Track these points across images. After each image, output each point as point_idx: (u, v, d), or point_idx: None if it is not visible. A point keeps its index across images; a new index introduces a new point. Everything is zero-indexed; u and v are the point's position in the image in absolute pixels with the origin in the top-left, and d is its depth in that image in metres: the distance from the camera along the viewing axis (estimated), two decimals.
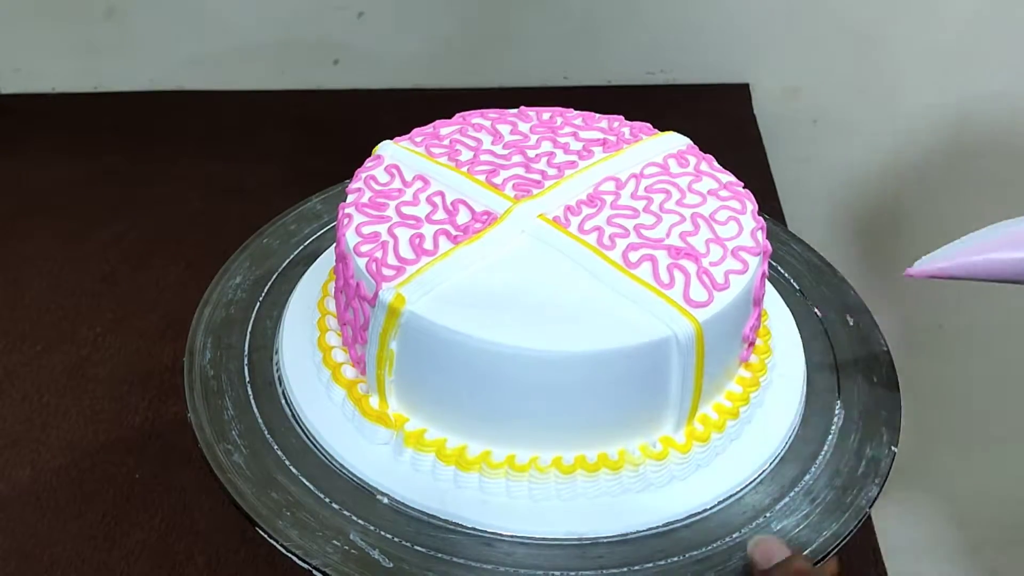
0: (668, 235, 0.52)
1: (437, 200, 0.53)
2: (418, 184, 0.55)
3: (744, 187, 0.57)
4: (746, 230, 0.53)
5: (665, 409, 0.50)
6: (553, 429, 0.49)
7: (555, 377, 0.47)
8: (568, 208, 0.54)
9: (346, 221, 0.52)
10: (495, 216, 0.52)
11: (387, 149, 0.57)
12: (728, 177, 0.57)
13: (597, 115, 0.61)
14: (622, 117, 0.61)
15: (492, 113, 0.61)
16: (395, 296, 0.48)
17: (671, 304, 0.49)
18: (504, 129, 0.59)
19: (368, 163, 0.57)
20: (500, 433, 0.49)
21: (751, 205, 0.55)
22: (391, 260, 0.50)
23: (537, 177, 0.55)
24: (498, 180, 0.55)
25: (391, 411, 0.50)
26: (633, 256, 0.51)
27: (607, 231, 0.52)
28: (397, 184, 0.55)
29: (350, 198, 0.54)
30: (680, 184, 0.56)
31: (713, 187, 0.56)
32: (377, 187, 0.54)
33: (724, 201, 0.55)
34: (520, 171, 0.56)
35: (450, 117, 0.60)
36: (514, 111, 0.61)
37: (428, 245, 0.51)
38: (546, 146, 0.58)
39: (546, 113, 0.61)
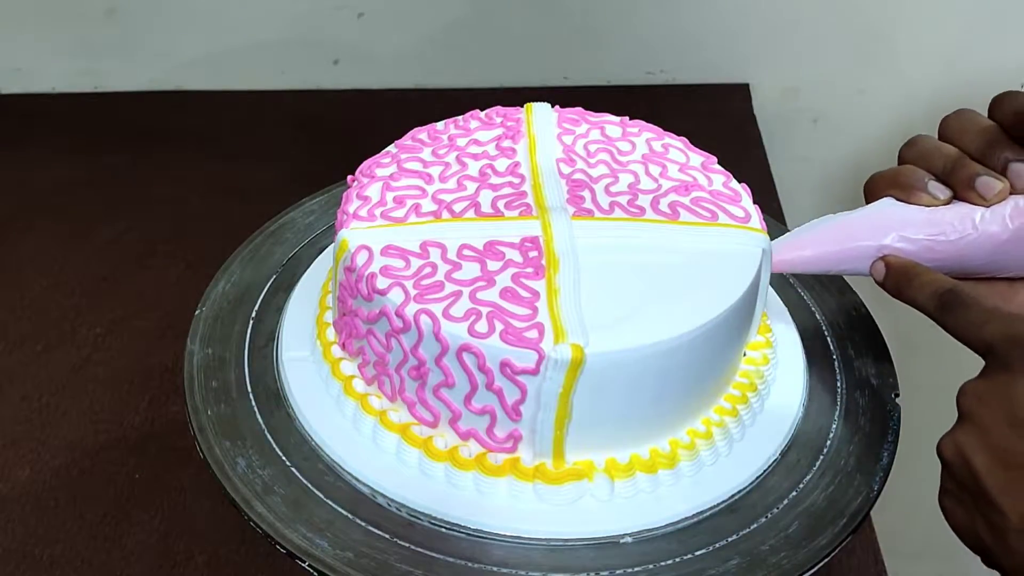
0: (658, 184, 0.55)
1: (471, 253, 0.50)
2: (435, 251, 0.50)
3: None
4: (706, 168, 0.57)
5: (749, 329, 0.53)
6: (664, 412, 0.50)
7: (709, 340, 0.49)
8: (575, 199, 0.54)
9: (426, 318, 0.47)
10: (539, 238, 0.51)
11: (356, 239, 0.51)
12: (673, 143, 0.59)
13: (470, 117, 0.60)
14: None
15: (402, 153, 0.57)
16: (572, 348, 0.45)
17: (734, 228, 0.53)
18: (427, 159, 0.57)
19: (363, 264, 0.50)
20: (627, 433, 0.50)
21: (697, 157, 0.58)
22: (521, 326, 0.46)
23: (510, 190, 0.54)
24: (490, 208, 0.53)
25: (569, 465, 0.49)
26: (665, 208, 0.53)
27: (621, 200, 0.54)
28: (417, 263, 0.49)
29: (396, 294, 0.48)
30: (614, 138, 0.59)
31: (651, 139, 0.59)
32: (410, 272, 0.49)
33: (667, 153, 0.58)
34: (489, 192, 0.54)
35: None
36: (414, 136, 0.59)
37: (526, 294, 0.48)
38: (472, 163, 0.57)
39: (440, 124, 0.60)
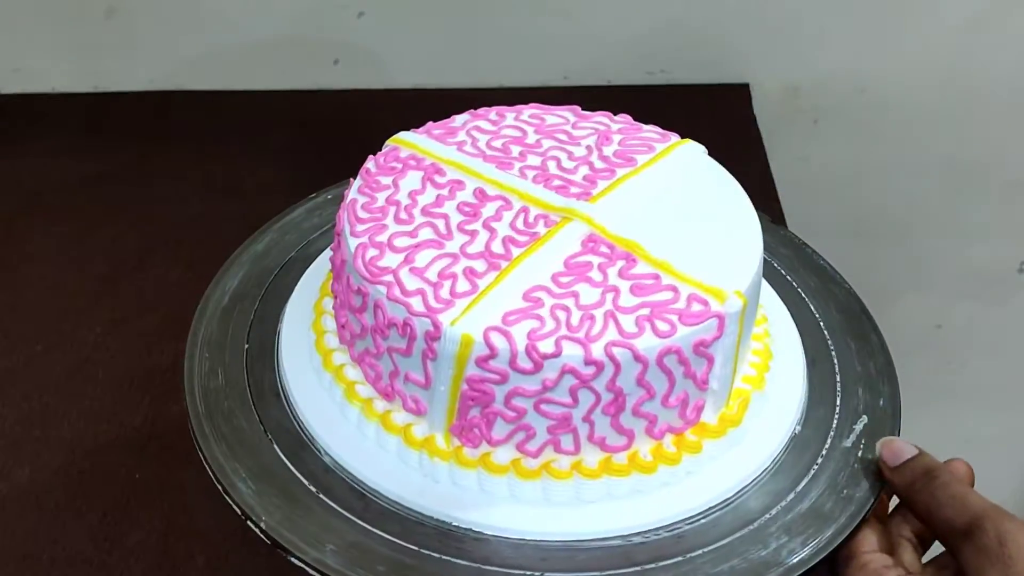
0: (584, 146, 0.57)
1: (568, 279, 0.49)
2: (543, 295, 0.49)
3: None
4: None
5: None
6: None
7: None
8: (561, 190, 0.54)
9: (620, 349, 0.46)
10: (596, 234, 0.52)
11: (475, 328, 0.47)
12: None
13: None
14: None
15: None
16: (738, 295, 0.48)
17: (673, 149, 0.57)
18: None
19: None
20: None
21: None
22: (683, 305, 0.48)
23: (510, 213, 0.54)
24: (523, 237, 0.52)
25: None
26: (617, 160, 0.56)
27: (586, 172, 0.55)
28: (545, 312, 0.48)
29: (571, 347, 0.46)
30: (494, 131, 0.59)
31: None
32: (553, 324, 0.47)
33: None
34: (499, 223, 0.52)
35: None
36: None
37: (649, 281, 0.49)
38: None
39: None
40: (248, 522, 0.48)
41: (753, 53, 1.02)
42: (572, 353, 0.46)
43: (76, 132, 0.99)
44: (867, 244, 1.07)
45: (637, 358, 0.46)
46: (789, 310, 0.60)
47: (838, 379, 0.56)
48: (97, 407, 0.72)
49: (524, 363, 0.46)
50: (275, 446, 0.51)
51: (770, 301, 0.60)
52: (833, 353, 0.58)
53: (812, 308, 0.60)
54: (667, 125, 0.60)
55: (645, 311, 0.47)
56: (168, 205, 0.90)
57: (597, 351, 0.46)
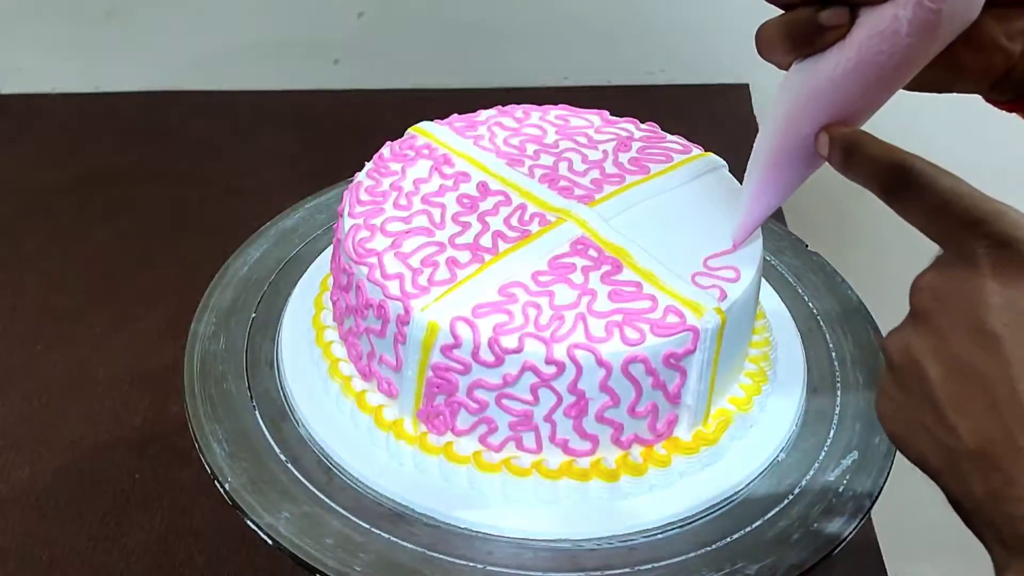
0: (601, 151, 0.57)
1: (547, 278, 0.49)
2: (518, 291, 0.48)
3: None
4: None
5: None
6: None
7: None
8: (564, 191, 0.54)
9: (583, 352, 0.46)
10: (586, 237, 0.52)
11: (442, 315, 0.47)
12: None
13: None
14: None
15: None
16: (717, 312, 0.48)
17: (691, 161, 0.56)
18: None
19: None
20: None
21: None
22: (659, 316, 0.48)
23: (507, 208, 0.54)
24: (514, 232, 0.52)
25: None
26: (631, 167, 0.56)
27: (595, 176, 0.55)
28: (517, 308, 0.48)
29: (533, 344, 0.46)
30: (516, 128, 0.59)
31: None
32: (522, 320, 0.48)
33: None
34: (494, 218, 0.53)
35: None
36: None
37: (630, 289, 0.49)
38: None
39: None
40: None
41: (753, 53, 1.01)
42: (533, 351, 0.46)
43: (76, 132, 0.99)
44: (867, 244, 1.07)
45: (600, 363, 0.46)
46: (803, 337, 0.59)
47: (836, 411, 0.55)
48: (97, 407, 0.72)
49: (486, 356, 0.46)
50: (256, 413, 0.52)
51: (783, 326, 0.59)
52: (838, 384, 0.56)
53: (827, 337, 0.59)
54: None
55: (618, 317, 0.47)
56: (168, 205, 0.91)
57: (559, 351, 0.46)
